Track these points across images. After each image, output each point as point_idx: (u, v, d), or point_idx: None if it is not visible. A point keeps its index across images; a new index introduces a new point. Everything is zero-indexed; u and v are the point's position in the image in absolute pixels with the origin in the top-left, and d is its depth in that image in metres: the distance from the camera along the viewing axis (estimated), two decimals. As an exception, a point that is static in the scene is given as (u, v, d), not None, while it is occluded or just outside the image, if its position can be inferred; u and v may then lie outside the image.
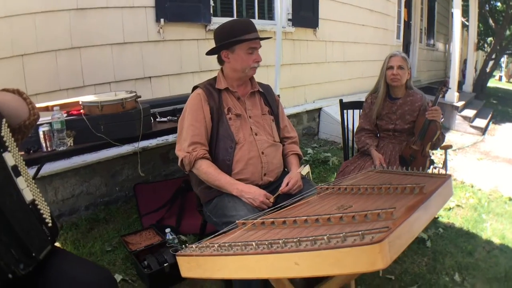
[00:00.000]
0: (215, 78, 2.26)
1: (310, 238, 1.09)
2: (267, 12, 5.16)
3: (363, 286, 2.52)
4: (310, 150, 5.10)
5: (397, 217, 1.16)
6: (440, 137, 2.81)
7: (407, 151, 2.85)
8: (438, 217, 3.52)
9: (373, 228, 1.05)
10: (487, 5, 13.45)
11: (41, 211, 1.39)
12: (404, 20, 9.52)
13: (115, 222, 3.30)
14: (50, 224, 1.41)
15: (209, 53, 2.23)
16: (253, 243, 1.18)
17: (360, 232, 1.03)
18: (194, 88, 2.26)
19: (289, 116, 5.31)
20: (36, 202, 1.37)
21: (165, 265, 2.41)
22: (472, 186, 4.53)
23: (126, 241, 2.78)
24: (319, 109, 5.98)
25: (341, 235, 1.05)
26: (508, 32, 14.34)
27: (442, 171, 2.93)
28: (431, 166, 2.92)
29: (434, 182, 1.54)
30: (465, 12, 10.47)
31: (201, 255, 1.32)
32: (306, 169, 2.15)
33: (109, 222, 3.30)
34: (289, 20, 5.26)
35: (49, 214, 1.42)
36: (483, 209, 3.91)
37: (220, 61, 2.23)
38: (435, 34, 12.99)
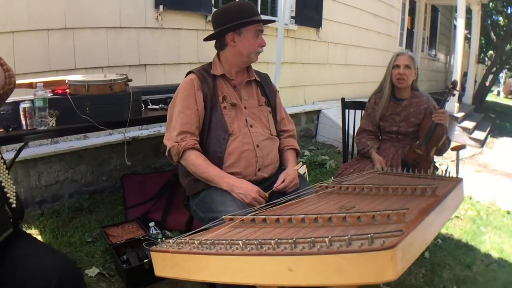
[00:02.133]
0: (210, 64, 2.11)
1: (308, 239, 0.93)
2: (270, 8, 5.02)
3: (357, 298, 2.38)
4: (307, 152, 4.99)
5: (409, 220, 1.01)
6: (446, 142, 2.66)
7: (411, 155, 2.69)
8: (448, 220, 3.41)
9: (384, 232, 0.90)
10: (489, 19, 13.39)
11: (5, 190, 1.27)
12: (407, 28, 9.43)
13: (99, 212, 3.18)
14: (14, 205, 1.29)
15: (211, 37, 2.08)
16: (240, 242, 1.03)
17: (369, 235, 0.88)
18: (188, 73, 2.10)
19: (288, 116, 5.21)
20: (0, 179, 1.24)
21: (145, 261, 2.24)
22: (470, 198, 4.43)
23: (107, 233, 2.64)
24: (318, 111, 5.86)
25: (345, 238, 0.89)
26: (508, 47, 14.29)
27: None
28: (435, 173, 2.77)
29: (445, 184, 1.40)
30: (468, 25, 10.40)
31: (178, 252, 1.18)
32: (303, 169, 2.00)
33: (92, 212, 3.18)
34: (292, 17, 5.13)
35: (14, 194, 1.31)
36: (481, 221, 3.82)
37: (221, 46, 2.06)
38: (437, 44, 12.93)
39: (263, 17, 4.62)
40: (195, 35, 4.01)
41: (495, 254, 3.16)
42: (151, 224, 2.67)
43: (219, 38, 2.05)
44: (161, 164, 3.81)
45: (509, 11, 12.85)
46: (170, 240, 1.27)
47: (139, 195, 3.22)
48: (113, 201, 3.37)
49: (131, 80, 2.60)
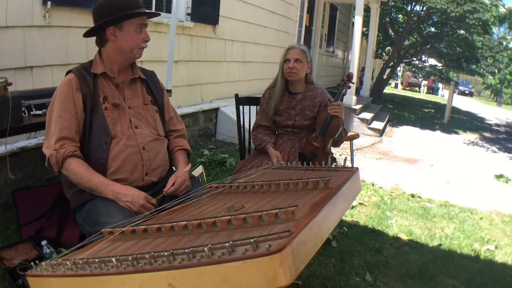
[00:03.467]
0: (91, 62, 1.92)
1: (187, 250, 0.82)
2: (165, 4, 4.82)
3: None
4: (206, 152, 4.90)
5: (300, 217, 0.93)
6: (342, 134, 2.68)
7: (308, 148, 2.68)
8: (346, 212, 3.45)
9: (270, 234, 0.81)
10: (387, 17, 14.24)
11: None
12: (306, 25, 9.72)
13: (-8, 234, 2.87)
14: None
15: (90, 32, 1.90)
16: (113, 260, 0.89)
17: (252, 240, 0.78)
18: (68, 73, 1.89)
19: (185, 116, 5.05)
20: None
21: (24, 288, 2.03)
22: (373, 185, 4.61)
23: (1, 256, 2.44)
24: (216, 109, 5.79)
25: (227, 244, 0.79)
26: (407, 42, 15.29)
27: (348, 165, 2.82)
28: (333, 164, 2.78)
29: (340, 175, 1.35)
30: (366, 22, 10.95)
31: (53, 276, 1.03)
32: (198, 170, 1.89)
33: (-14, 234, 2.86)
34: (188, 14, 4.97)
35: None
36: (386, 206, 3.95)
37: (102, 42, 1.88)
38: (335, 41, 13.48)
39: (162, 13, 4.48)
40: (84, 33, 3.74)
41: (404, 237, 3.29)
42: (43, 242, 2.49)
43: (99, 33, 1.87)
44: (54, 175, 3.49)
45: (409, 9, 13.71)
46: (43, 263, 1.11)
47: (33, 211, 2.94)
48: (7, 220, 3.05)
49: (10, 84, 2.33)
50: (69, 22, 3.57)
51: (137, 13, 1.81)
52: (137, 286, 0.87)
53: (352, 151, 2.74)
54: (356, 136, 2.69)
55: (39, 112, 2.58)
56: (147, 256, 0.86)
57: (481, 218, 3.93)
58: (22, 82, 3.09)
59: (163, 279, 0.83)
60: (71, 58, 3.58)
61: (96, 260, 0.95)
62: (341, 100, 2.75)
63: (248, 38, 6.60)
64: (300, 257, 0.83)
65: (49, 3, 3.33)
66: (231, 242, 0.80)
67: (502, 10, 12.36)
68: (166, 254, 0.84)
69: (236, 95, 3.08)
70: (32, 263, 1.15)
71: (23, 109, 2.46)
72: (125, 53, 1.85)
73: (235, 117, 3.08)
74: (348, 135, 2.75)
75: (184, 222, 1.02)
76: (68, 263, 1.01)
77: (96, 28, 1.85)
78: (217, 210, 1.16)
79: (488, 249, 3.24)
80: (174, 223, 1.05)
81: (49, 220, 2.86)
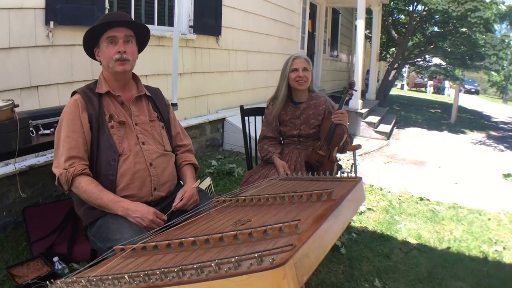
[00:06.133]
0: (96, 82, 1.97)
1: (196, 265, 0.85)
2: (168, 18, 4.87)
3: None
4: (214, 162, 4.92)
5: (303, 230, 0.96)
6: (348, 141, 2.71)
7: (313, 156, 2.71)
8: (350, 222, 3.45)
9: (274, 248, 0.84)
10: (390, 18, 14.24)
11: None
12: (308, 31, 9.73)
13: (3, 252, 2.89)
14: None
15: (88, 55, 2.01)
16: (126, 276, 0.92)
17: (257, 254, 0.81)
18: (73, 93, 1.95)
19: (191, 127, 5.10)
20: None
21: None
22: (381, 189, 4.60)
23: (12, 273, 2.47)
24: (223, 119, 5.82)
25: (233, 259, 0.82)
26: (410, 43, 15.27)
27: (352, 175, 2.84)
28: (339, 172, 2.81)
29: (344, 186, 1.38)
30: (368, 24, 10.98)
31: None
32: (206, 182, 1.92)
33: (-3, 252, 2.90)
34: (190, 27, 5.03)
35: None
36: (394, 210, 3.95)
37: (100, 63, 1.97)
38: (339, 45, 13.48)
39: (160, 29, 4.55)
40: (89, 50, 3.80)
41: (413, 241, 3.29)
42: (55, 259, 2.54)
43: (93, 56, 1.97)
44: (64, 192, 3.54)
45: (411, 9, 13.71)
46: (58, 281, 1.14)
47: (43, 228, 2.96)
48: (17, 237, 3.08)
49: (17, 106, 2.38)
50: (73, 40, 3.62)
51: (95, 26, 1.86)
52: (148, 301, 0.90)
53: (355, 160, 2.76)
54: (358, 147, 2.72)
55: (47, 131, 2.62)
56: (157, 272, 0.89)
57: (489, 219, 3.93)
58: (28, 101, 3.13)
59: (173, 294, 0.86)
60: (76, 76, 3.63)
61: (109, 277, 0.98)
62: (347, 104, 2.78)
63: (252, 47, 6.63)
64: (303, 269, 0.85)
65: (51, 23, 3.38)
66: (237, 257, 0.83)
67: (502, 7, 12.33)
68: (175, 270, 0.87)
69: (241, 107, 3.12)
70: (47, 282, 1.19)
71: (31, 129, 2.49)
72: (107, 69, 1.91)
73: (241, 127, 3.11)
74: (350, 146, 2.77)
75: (193, 238, 1.06)
76: (82, 280, 1.04)
77: (88, 53, 1.97)
78: (224, 225, 1.20)
79: (496, 250, 3.23)
80: (183, 239, 1.08)
81: (60, 236, 2.88)
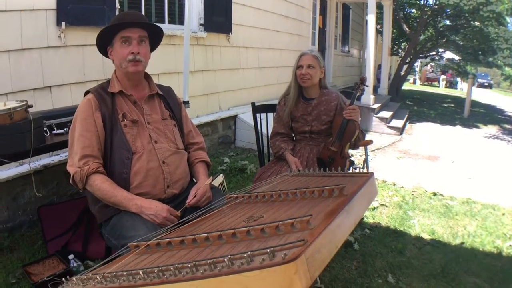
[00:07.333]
0: (109, 81, 1.99)
1: (209, 261, 0.86)
2: (178, 17, 4.90)
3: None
4: (226, 159, 4.95)
5: (314, 225, 0.97)
6: (360, 136, 2.70)
7: (325, 152, 2.71)
8: (363, 218, 3.45)
9: (286, 243, 0.85)
10: (401, 12, 14.11)
11: None
12: (319, 27, 9.69)
13: (19, 250, 2.95)
14: None
15: (101, 52, 2.02)
16: (140, 272, 0.94)
17: (269, 250, 0.82)
18: (86, 93, 1.97)
19: (204, 125, 5.12)
20: None
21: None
22: (394, 184, 4.58)
23: (28, 271, 2.50)
24: (235, 117, 5.84)
25: (245, 254, 0.83)
26: (422, 37, 15.13)
27: (364, 171, 2.83)
28: (351, 167, 2.80)
29: (355, 182, 1.37)
30: (379, 19, 10.89)
31: None
32: (219, 179, 1.93)
33: (13, 250, 2.94)
34: (201, 25, 5.04)
35: None
36: (408, 206, 3.93)
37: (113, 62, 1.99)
38: (350, 40, 13.39)
39: (171, 27, 4.56)
40: (100, 50, 3.83)
41: (426, 237, 3.27)
42: (71, 256, 2.58)
43: (106, 55, 1.99)
44: (78, 190, 3.58)
45: (422, 2, 13.57)
46: (74, 278, 1.17)
47: (58, 226, 3.01)
48: (33, 236, 3.13)
49: (31, 106, 2.41)
50: (84, 40, 3.65)
51: (110, 26, 1.88)
52: (163, 297, 0.91)
53: (367, 156, 2.76)
54: (370, 142, 2.71)
55: (61, 131, 2.65)
56: (171, 267, 0.91)
57: (503, 214, 3.89)
58: (41, 102, 3.17)
59: (187, 289, 0.87)
60: (89, 75, 3.66)
61: (124, 273, 1.00)
62: (358, 100, 2.78)
63: (262, 44, 6.63)
64: (315, 264, 0.86)
65: (63, 23, 3.42)
66: (249, 252, 0.84)
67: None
68: (189, 265, 0.88)
69: (253, 104, 3.13)
70: (63, 278, 1.21)
71: (44, 129, 2.53)
72: (120, 68, 1.92)
73: (253, 123, 3.12)
74: (362, 142, 2.76)
75: (206, 234, 1.07)
76: (98, 277, 1.06)
77: (102, 52, 1.97)
78: (237, 221, 1.21)
79: (510, 245, 3.20)
80: (196, 235, 1.10)
81: (74, 234, 2.92)
